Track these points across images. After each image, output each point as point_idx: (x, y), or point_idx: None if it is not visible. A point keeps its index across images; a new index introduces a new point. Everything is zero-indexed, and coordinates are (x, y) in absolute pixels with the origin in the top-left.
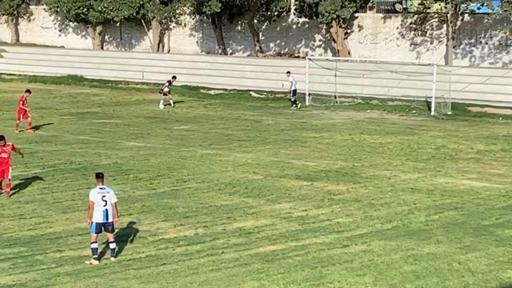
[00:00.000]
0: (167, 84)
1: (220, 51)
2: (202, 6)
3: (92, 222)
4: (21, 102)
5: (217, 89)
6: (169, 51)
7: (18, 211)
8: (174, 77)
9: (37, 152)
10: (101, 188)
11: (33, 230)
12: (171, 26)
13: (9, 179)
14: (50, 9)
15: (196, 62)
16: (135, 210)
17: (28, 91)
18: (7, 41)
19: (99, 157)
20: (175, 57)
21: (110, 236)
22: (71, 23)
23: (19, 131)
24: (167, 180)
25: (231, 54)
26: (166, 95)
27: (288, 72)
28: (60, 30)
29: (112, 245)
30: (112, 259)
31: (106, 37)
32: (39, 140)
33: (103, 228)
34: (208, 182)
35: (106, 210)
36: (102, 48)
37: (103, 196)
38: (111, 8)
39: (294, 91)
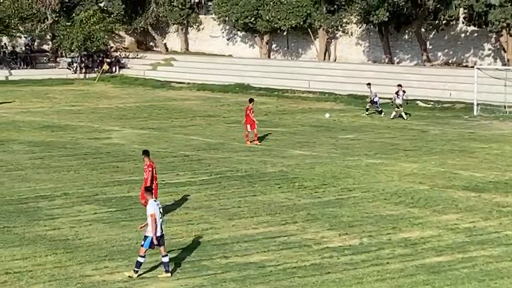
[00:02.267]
0: (397, 95)
1: (386, 60)
2: (369, 15)
3: (148, 237)
4: (248, 112)
5: (383, 98)
6: (335, 60)
7: (186, 217)
8: (399, 85)
9: (204, 159)
10: (155, 201)
11: (200, 236)
12: (337, 35)
13: None
14: (219, 18)
15: (362, 71)
16: (300, 218)
17: (251, 100)
18: (177, 50)
19: (265, 165)
20: (341, 66)
21: (163, 250)
22: (239, 32)
23: (250, 142)
24: (332, 189)
25: (397, 63)
26: (399, 107)
27: (369, 84)
28: (228, 39)
29: (166, 259)
30: (168, 274)
31: (273, 46)
32: (206, 148)
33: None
34: (374, 192)
35: (162, 222)
36: (269, 56)
37: (160, 208)
38: (279, 17)
39: (374, 102)
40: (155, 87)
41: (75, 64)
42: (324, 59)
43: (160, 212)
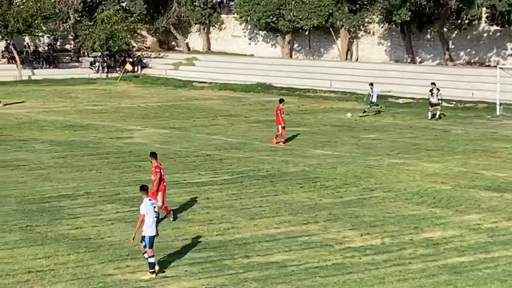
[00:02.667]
0: (431, 94)
1: (408, 60)
2: (392, 15)
3: (145, 236)
4: (279, 112)
5: (406, 98)
6: (357, 60)
7: (208, 217)
8: (433, 83)
9: (226, 158)
10: (150, 200)
11: (222, 235)
12: (359, 35)
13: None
14: (241, 17)
15: (384, 71)
16: (321, 218)
17: (282, 100)
18: (199, 50)
19: (287, 165)
20: (363, 65)
21: (151, 251)
22: (261, 32)
23: (276, 143)
24: (353, 189)
25: (420, 62)
26: (433, 105)
27: (371, 84)
28: (250, 39)
29: (152, 260)
30: (153, 275)
31: (295, 45)
32: (228, 147)
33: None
34: (395, 192)
35: (156, 222)
36: (290, 56)
37: (154, 207)
38: (301, 17)
39: (371, 102)
40: (177, 86)
41: (97, 64)
42: (346, 58)
43: (155, 212)
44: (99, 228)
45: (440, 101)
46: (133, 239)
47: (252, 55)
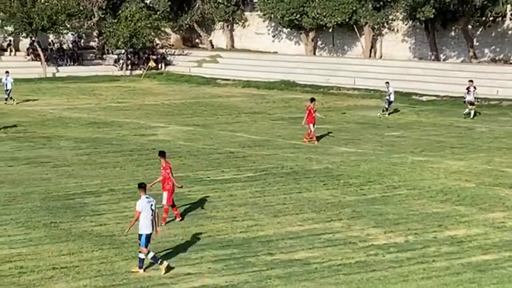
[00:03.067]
0: (468, 92)
1: (433, 57)
2: (416, 12)
3: (141, 235)
4: (310, 110)
5: (429, 95)
6: (381, 57)
7: (231, 214)
8: (470, 81)
9: (249, 156)
10: (147, 197)
11: (245, 232)
12: (383, 32)
13: (163, 205)
14: (264, 15)
15: (408, 68)
16: (345, 216)
17: (313, 99)
18: (223, 47)
19: (310, 162)
20: (387, 62)
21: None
22: (284, 29)
23: (309, 141)
24: (377, 186)
25: (444, 60)
26: (471, 104)
27: (387, 83)
28: (273, 36)
29: (142, 256)
30: (141, 271)
31: (319, 43)
32: (251, 144)
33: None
34: (419, 189)
35: (153, 220)
36: (314, 53)
37: (151, 205)
38: (324, 14)
39: (390, 102)
40: (200, 84)
41: (121, 61)
42: (370, 56)
43: (152, 210)
44: (123, 225)
45: (476, 100)
46: (126, 234)
47: (275, 53)
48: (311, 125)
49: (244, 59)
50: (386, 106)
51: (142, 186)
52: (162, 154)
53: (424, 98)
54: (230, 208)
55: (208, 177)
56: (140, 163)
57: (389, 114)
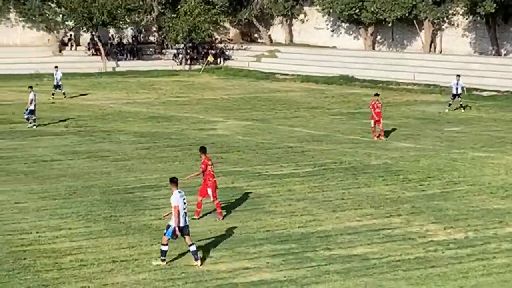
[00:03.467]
0: None
1: (493, 52)
2: (476, 6)
3: (170, 226)
4: (376, 107)
5: (490, 90)
6: (441, 52)
7: (290, 209)
8: None
9: (308, 151)
10: (179, 192)
11: (304, 227)
12: (443, 27)
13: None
14: (323, 10)
15: (468, 63)
16: (404, 211)
17: (377, 94)
18: (281, 42)
19: (369, 157)
20: (447, 57)
21: (188, 239)
22: (343, 24)
23: (377, 137)
24: (437, 182)
25: (505, 55)
26: None
27: (458, 76)
28: (332, 31)
29: (193, 247)
30: (198, 263)
31: (378, 37)
32: (310, 139)
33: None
34: (480, 185)
35: (185, 213)
36: (373, 48)
37: (184, 199)
38: (384, 8)
39: (458, 95)
40: (259, 78)
41: (180, 56)
42: (430, 51)
43: (184, 203)
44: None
45: None
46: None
47: (334, 47)
48: (372, 121)
49: (303, 54)
50: (461, 102)
51: (174, 181)
52: (202, 149)
53: (484, 94)
54: (289, 203)
55: (267, 172)
56: (198, 158)
57: (455, 109)
